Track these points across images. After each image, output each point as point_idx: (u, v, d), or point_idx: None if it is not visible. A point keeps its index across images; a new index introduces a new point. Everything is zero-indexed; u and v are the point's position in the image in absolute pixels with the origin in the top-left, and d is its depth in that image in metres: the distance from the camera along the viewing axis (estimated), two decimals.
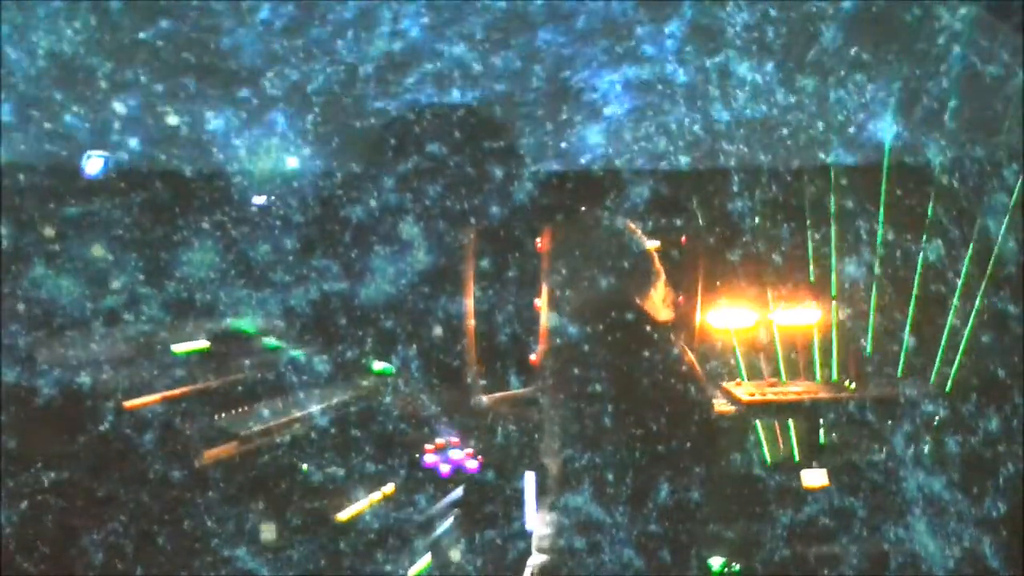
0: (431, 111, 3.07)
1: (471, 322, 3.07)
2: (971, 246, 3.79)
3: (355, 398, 3.45)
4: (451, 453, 3.31)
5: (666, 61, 3.00)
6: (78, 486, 2.63)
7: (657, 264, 2.57)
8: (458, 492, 3.46)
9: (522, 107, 3.09)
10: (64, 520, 2.61)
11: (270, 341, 3.32)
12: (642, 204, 3.18)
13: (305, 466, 3.18)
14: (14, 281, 2.73)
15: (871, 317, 4.04)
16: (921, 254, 3.86)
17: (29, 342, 2.71)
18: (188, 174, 3.01)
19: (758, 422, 4.10)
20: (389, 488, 3.37)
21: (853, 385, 3.80)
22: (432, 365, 3.24)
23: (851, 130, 3.30)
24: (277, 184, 3.14)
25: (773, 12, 2.92)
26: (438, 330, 3.23)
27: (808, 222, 4.07)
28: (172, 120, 2.92)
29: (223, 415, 3.06)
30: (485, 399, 2.94)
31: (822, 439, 3.97)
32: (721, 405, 3.70)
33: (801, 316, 4.04)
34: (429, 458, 3.32)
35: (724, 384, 3.88)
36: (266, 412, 3.17)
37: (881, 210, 3.87)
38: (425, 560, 3.37)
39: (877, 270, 3.98)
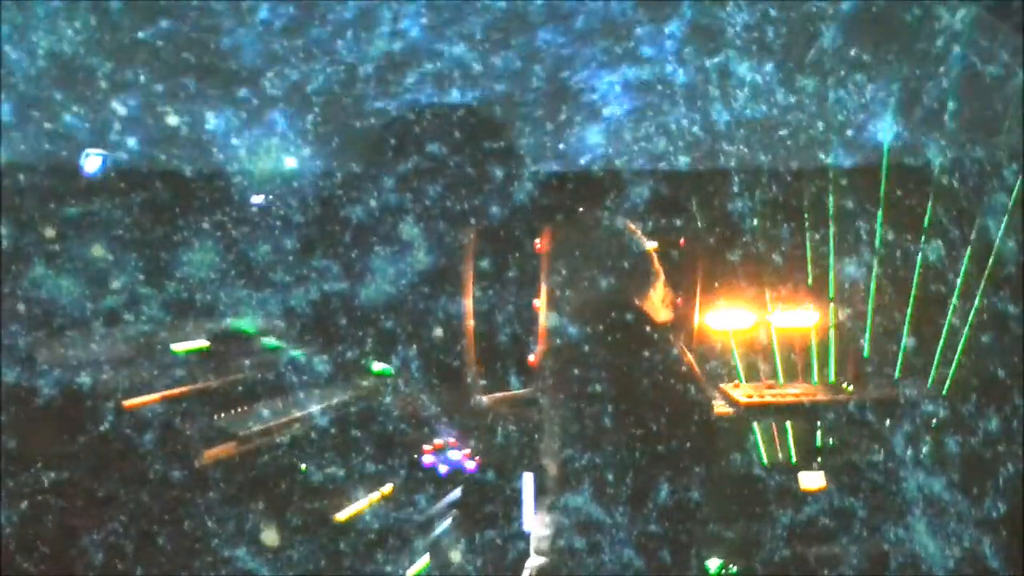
0: (431, 111, 3.07)
1: (470, 322, 3.07)
2: (970, 247, 3.79)
3: (354, 399, 3.44)
4: (449, 454, 3.31)
5: (665, 62, 3.00)
6: (78, 486, 2.62)
7: (656, 265, 2.57)
8: (456, 493, 3.45)
9: (522, 107, 3.10)
10: (64, 520, 2.61)
11: (269, 341, 3.32)
12: (641, 205, 3.18)
13: (304, 466, 3.18)
14: (14, 281, 2.73)
15: (869, 318, 4.04)
16: (920, 255, 3.86)
17: (29, 342, 2.70)
18: (188, 174, 3.01)
19: (756, 424, 4.10)
20: (388, 488, 3.37)
21: (851, 387, 3.81)
22: (431, 365, 3.24)
23: (850, 130, 3.30)
24: (276, 184, 3.14)
25: (773, 12, 2.93)
26: (437, 331, 3.23)
27: (807, 223, 4.07)
28: (172, 120, 2.92)
29: (222, 415, 3.06)
30: (485, 399, 2.94)
31: (819, 441, 3.97)
32: (719, 407, 3.71)
33: (799, 318, 4.04)
34: (428, 459, 3.32)
35: (722, 386, 3.89)
36: (265, 412, 3.16)
37: (880, 211, 3.87)
38: (424, 561, 3.37)
39: (876, 271, 3.98)
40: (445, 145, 3.09)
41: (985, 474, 3.26)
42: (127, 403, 2.75)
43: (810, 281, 4.10)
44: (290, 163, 3.11)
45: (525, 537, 2.66)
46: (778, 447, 4.19)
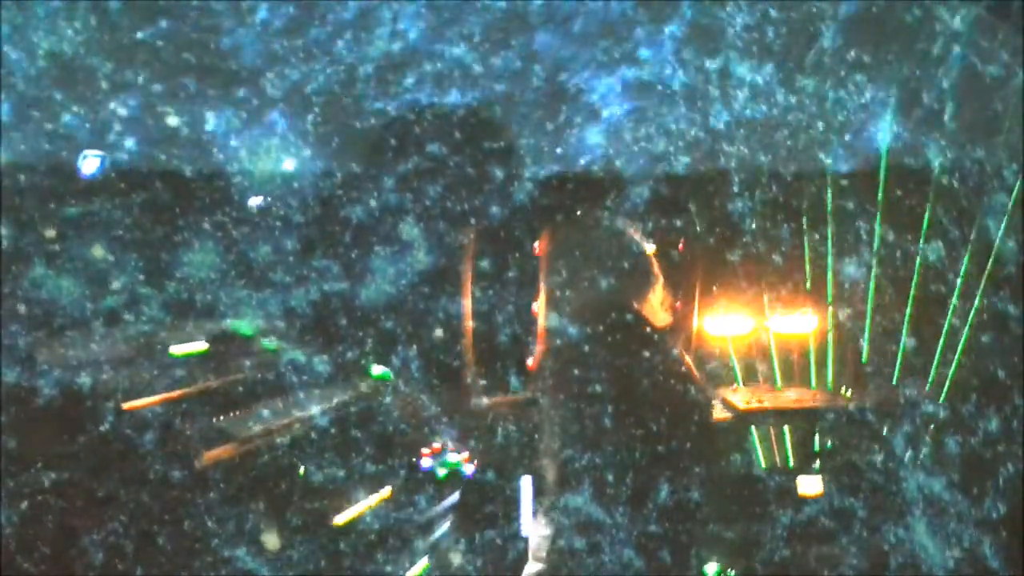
0: (430, 112, 3.07)
1: (469, 323, 3.07)
2: (969, 248, 3.78)
3: (352, 401, 3.44)
4: (448, 457, 3.30)
5: (664, 63, 3.00)
6: (78, 486, 2.63)
7: (656, 268, 2.57)
8: (455, 496, 3.45)
9: (521, 108, 3.10)
10: (64, 520, 2.61)
11: (268, 343, 3.31)
12: (640, 207, 3.18)
13: (302, 469, 3.17)
14: (14, 281, 2.73)
15: (868, 322, 4.04)
16: (919, 257, 3.85)
17: (29, 342, 2.71)
18: (188, 174, 3.01)
19: (753, 429, 4.09)
20: (386, 491, 3.36)
21: (849, 392, 3.81)
22: (430, 367, 3.24)
23: (850, 132, 3.29)
24: (275, 185, 3.14)
25: (773, 13, 2.93)
26: (436, 332, 3.23)
27: (806, 226, 4.06)
28: (172, 120, 2.92)
29: (221, 417, 3.06)
30: (485, 400, 2.94)
31: (817, 446, 3.97)
32: (718, 411, 3.70)
33: (798, 322, 4.04)
34: (426, 462, 3.31)
35: (720, 390, 3.88)
36: (263, 414, 3.16)
37: (879, 213, 3.86)
38: (422, 564, 3.37)
39: (874, 275, 3.98)
40: (444, 146, 3.09)
41: (983, 476, 3.26)
42: (126, 405, 2.75)
43: (808, 285, 4.09)
44: (289, 164, 3.11)
45: (523, 541, 2.65)
46: (776, 452, 4.19)
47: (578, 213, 2.74)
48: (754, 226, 3.91)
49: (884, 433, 3.64)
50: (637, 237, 2.56)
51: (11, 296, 2.72)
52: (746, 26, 2.93)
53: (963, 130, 3.31)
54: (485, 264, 3.34)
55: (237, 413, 3.11)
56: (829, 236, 4.03)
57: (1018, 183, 3.56)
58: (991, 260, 3.73)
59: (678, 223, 3.72)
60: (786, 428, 4.10)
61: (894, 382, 3.99)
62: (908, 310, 3.93)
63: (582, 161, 3.23)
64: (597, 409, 2.37)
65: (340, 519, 3.15)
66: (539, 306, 2.55)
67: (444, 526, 3.43)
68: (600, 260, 2.50)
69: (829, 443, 3.91)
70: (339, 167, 3.20)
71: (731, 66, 3.00)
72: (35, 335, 2.74)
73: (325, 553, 3.09)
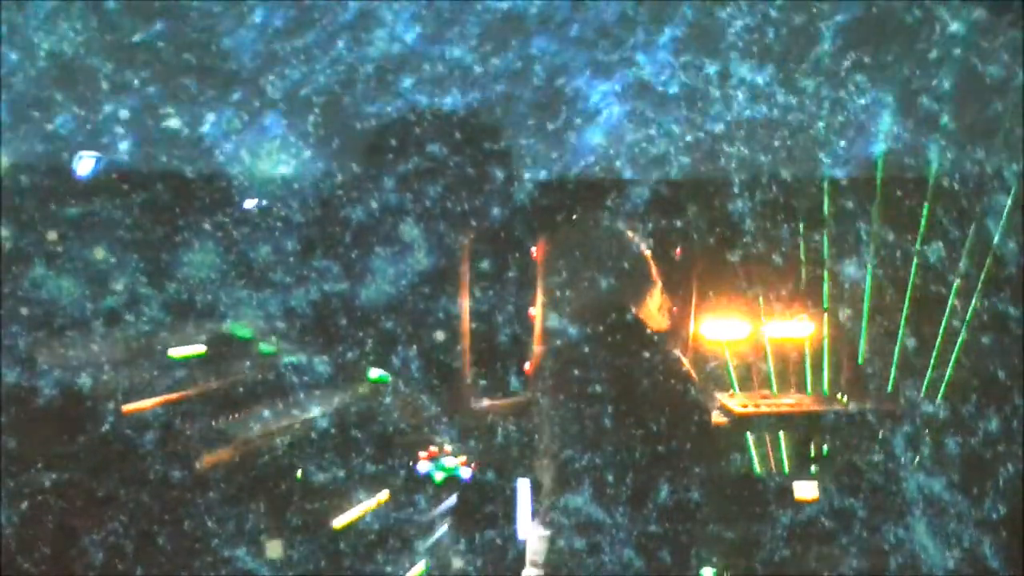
0: (430, 113, 3.07)
1: (467, 325, 3.08)
2: (967, 250, 3.78)
3: (349, 405, 3.44)
4: (445, 461, 3.30)
5: (662, 66, 3.00)
6: (78, 486, 2.63)
7: (654, 272, 2.57)
8: (452, 500, 3.44)
9: (520, 109, 3.10)
10: (64, 520, 2.61)
11: (266, 346, 3.31)
12: (637, 213, 3.18)
13: (299, 473, 3.17)
14: (14, 281, 2.73)
15: (864, 325, 4.03)
16: (916, 259, 3.85)
17: (29, 342, 2.71)
18: (186, 175, 3.01)
19: (749, 433, 4.09)
20: (384, 495, 3.36)
21: (845, 397, 3.81)
22: (429, 368, 3.24)
23: (849, 134, 3.29)
24: (274, 185, 3.14)
25: (772, 14, 2.92)
26: (433, 333, 3.23)
27: (802, 231, 4.05)
28: (171, 121, 2.92)
29: (219, 420, 3.06)
30: (486, 401, 2.95)
31: (812, 451, 3.96)
32: (715, 416, 3.70)
33: (794, 328, 4.04)
34: (423, 466, 3.31)
35: (717, 395, 3.88)
36: (261, 417, 3.16)
37: (876, 217, 3.86)
38: (420, 566, 3.36)
39: (871, 277, 3.97)
40: (443, 148, 3.09)
41: (982, 476, 3.26)
42: (126, 409, 2.75)
43: (805, 289, 4.08)
44: (288, 164, 3.11)
45: (520, 545, 2.66)
46: (771, 456, 4.18)
47: (575, 216, 2.74)
48: (752, 230, 3.90)
49: (881, 435, 3.64)
50: (635, 240, 2.57)
51: (11, 296, 2.72)
52: (745, 27, 2.93)
53: (963, 131, 3.31)
54: (484, 265, 3.34)
55: (236, 416, 3.11)
56: (826, 239, 4.03)
57: (1016, 184, 3.55)
58: (989, 261, 3.73)
59: (676, 225, 3.72)
60: (782, 433, 4.10)
61: (891, 384, 3.98)
62: (904, 311, 3.93)
63: (581, 163, 3.23)
64: (596, 409, 2.37)
65: (338, 522, 3.15)
66: (536, 309, 2.56)
67: (442, 529, 3.43)
68: (599, 261, 2.50)
69: (826, 448, 3.90)
70: (333, 170, 3.20)
71: (732, 67, 3.00)
72: (35, 335, 2.74)
73: (324, 553, 3.09)
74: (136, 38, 2.81)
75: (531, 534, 2.48)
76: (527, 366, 2.60)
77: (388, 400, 3.36)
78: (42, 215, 2.81)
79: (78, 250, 2.85)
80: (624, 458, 2.37)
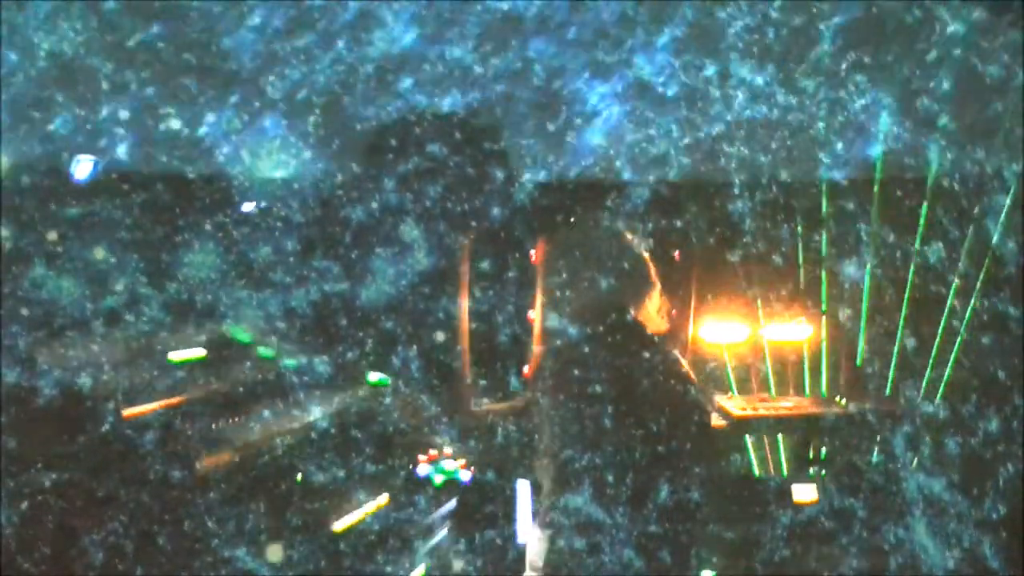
0: (429, 114, 3.07)
1: (467, 326, 3.08)
2: (966, 251, 3.78)
3: (349, 406, 3.43)
4: (444, 464, 3.29)
5: (662, 66, 3.01)
6: (78, 486, 2.63)
7: (653, 274, 2.58)
8: (451, 503, 3.44)
9: (520, 110, 3.10)
10: (64, 520, 2.61)
11: (265, 350, 3.31)
12: (636, 214, 3.18)
13: (299, 475, 3.17)
14: (15, 281, 2.73)
15: (862, 327, 4.03)
16: (915, 261, 3.85)
17: (29, 342, 2.71)
18: (186, 176, 3.01)
19: (748, 436, 4.09)
20: (384, 498, 3.35)
21: (844, 400, 3.81)
22: (428, 370, 3.24)
23: (848, 135, 3.29)
24: (274, 186, 3.14)
25: (772, 15, 2.93)
26: (433, 335, 3.23)
27: (801, 232, 4.05)
28: (171, 122, 2.92)
29: (219, 424, 3.06)
30: (486, 402, 2.95)
31: (811, 453, 3.96)
32: (714, 419, 3.70)
33: (793, 330, 4.04)
34: (422, 469, 3.30)
35: (716, 397, 3.88)
36: (260, 420, 3.16)
37: (875, 219, 3.86)
38: (419, 570, 3.36)
39: (870, 278, 3.97)
40: (443, 148, 3.09)
41: (982, 477, 3.26)
42: (126, 413, 2.75)
43: (803, 289, 4.08)
44: (288, 165, 3.11)
45: (519, 548, 2.65)
46: (770, 459, 4.18)
47: (575, 217, 2.75)
48: (751, 231, 3.91)
49: (881, 436, 3.64)
50: (635, 242, 2.57)
51: (11, 296, 2.72)
52: (745, 28, 2.93)
53: (962, 131, 3.31)
54: (483, 266, 3.34)
55: (236, 418, 3.11)
56: (825, 240, 4.03)
57: (1015, 184, 3.56)
58: (988, 261, 3.73)
59: (676, 226, 3.72)
60: (781, 436, 4.10)
61: (890, 385, 3.99)
62: (903, 312, 3.93)
63: (581, 163, 3.23)
64: (596, 410, 2.38)
65: (338, 525, 3.14)
66: (536, 310, 2.56)
67: (442, 532, 3.42)
68: (599, 262, 2.50)
69: (824, 450, 3.91)
70: (338, 168, 3.21)
71: (731, 68, 3.00)
72: (35, 335, 2.74)
73: (325, 555, 3.09)
74: (136, 38, 2.81)
75: (531, 535, 2.48)
76: (526, 369, 2.60)
77: (388, 401, 3.35)
78: (42, 215, 2.81)
79: (78, 250, 2.85)
80: (624, 458, 2.38)
